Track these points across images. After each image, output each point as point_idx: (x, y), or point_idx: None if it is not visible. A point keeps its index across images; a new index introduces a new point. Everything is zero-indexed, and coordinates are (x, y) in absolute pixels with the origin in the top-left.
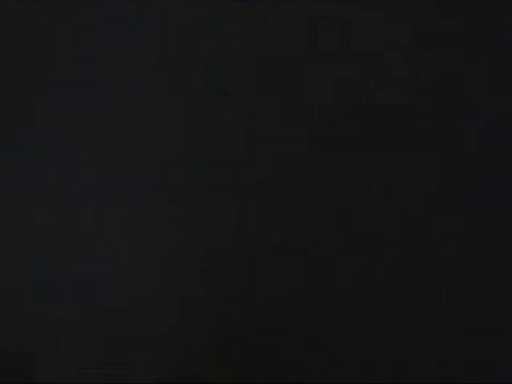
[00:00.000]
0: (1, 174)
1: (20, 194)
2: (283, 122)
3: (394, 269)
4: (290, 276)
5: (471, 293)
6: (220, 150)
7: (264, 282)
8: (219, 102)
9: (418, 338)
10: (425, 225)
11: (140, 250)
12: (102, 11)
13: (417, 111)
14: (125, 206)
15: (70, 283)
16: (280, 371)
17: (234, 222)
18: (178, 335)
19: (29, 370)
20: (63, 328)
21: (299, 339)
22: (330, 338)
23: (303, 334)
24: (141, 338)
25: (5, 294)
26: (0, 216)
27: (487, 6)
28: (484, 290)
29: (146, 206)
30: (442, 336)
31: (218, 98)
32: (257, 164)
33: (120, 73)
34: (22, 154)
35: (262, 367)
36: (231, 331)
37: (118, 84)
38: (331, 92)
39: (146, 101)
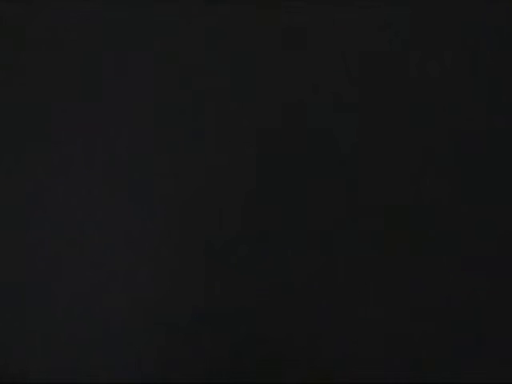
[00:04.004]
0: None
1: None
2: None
3: (399, 293)
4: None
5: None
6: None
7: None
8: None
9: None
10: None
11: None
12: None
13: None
14: (122, 208)
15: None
16: None
17: (237, 230)
18: (174, 352)
19: None
20: (60, 344)
21: (297, 366)
22: (328, 365)
23: (300, 360)
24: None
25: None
26: None
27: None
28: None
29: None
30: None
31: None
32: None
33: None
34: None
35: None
36: (226, 357)
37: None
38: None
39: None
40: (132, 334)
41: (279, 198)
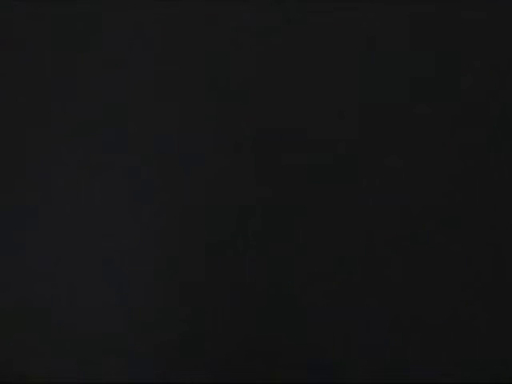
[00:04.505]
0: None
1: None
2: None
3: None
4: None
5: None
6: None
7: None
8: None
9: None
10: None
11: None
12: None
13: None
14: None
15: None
16: None
17: (240, 230)
18: (177, 347)
19: None
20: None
21: (300, 363)
22: (332, 362)
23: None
24: (142, 347)
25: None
26: None
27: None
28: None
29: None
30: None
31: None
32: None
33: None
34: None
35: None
36: (230, 355)
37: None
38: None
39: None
40: (132, 334)
41: (279, 197)
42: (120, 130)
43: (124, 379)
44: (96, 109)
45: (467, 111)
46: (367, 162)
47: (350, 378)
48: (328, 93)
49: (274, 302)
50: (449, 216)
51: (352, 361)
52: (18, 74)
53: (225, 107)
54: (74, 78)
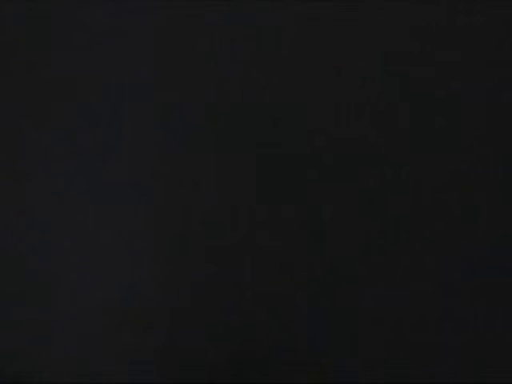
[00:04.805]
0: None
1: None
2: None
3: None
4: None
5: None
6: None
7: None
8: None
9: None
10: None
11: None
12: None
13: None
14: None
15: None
16: None
17: (241, 232)
18: (177, 348)
19: None
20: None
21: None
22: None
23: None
24: (141, 348)
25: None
26: None
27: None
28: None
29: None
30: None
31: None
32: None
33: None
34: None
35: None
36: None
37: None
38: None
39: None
40: (132, 334)
41: (279, 198)
42: (118, 130)
43: (124, 379)
44: (94, 108)
45: (470, 110)
46: (368, 161)
47: (350, 378)
48: (328, 93)
49: (273, 302)
50: (452, 215)
51: (351, 361)
52: (17, 74)
53: (224, 108)
54: (73, 76)
